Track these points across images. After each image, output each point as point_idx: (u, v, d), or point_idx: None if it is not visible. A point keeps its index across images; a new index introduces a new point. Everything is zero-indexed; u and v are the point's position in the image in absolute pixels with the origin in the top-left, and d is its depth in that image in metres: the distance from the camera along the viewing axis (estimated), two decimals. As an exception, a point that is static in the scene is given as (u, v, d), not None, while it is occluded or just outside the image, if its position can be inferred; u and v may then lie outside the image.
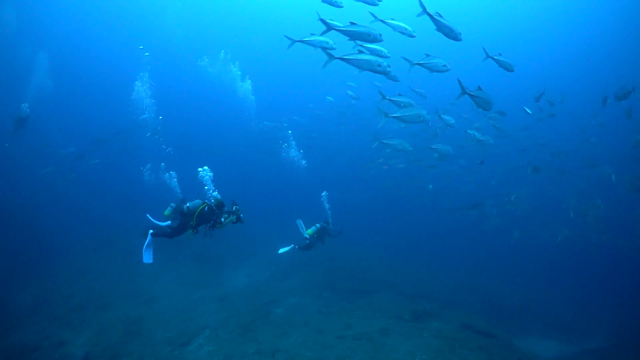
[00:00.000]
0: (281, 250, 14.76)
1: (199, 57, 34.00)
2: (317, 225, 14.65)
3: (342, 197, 26.35)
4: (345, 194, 28.81)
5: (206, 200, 10.18)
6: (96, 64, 50.39)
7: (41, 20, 43.25)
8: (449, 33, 8.36)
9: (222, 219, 9.89)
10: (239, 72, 31.99)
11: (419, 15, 8.44)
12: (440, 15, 8.24)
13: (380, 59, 8.42)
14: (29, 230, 21.95)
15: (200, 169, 14.77)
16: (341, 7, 10.29)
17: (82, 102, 44.69)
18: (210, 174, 14.38)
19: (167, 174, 18.89)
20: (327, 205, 16.51)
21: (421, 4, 8.17)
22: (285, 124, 28.68)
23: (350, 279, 17.56)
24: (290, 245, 14.68)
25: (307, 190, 21.97)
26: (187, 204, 10.11)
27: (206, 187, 11.44)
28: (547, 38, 47.32)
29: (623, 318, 17.39)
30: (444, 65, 9.07)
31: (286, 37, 9.35)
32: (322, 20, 8.61)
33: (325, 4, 10.38)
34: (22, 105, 19.54)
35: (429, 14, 8.21)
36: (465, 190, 27.48)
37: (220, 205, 10.05)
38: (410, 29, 9.83)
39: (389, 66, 8.56)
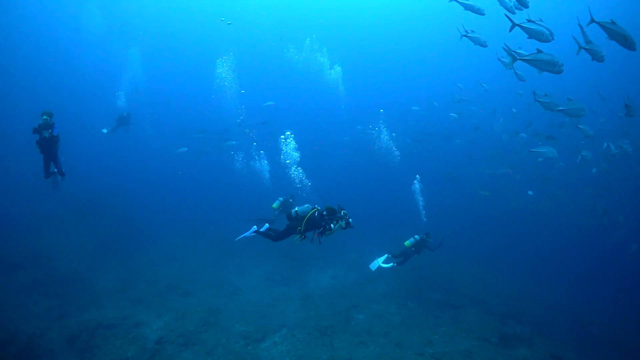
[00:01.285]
0: (381, 265, 14.28)
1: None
2: (417, 237, 14.20)
3: (438, 201, 25.82)
4: (442, 198, 28.22)
5: (316, 206, 9.89)
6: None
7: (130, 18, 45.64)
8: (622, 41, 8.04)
9: (332, 225, 9.47)
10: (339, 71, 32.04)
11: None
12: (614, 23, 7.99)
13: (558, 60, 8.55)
14: (124, 216, 23.46)
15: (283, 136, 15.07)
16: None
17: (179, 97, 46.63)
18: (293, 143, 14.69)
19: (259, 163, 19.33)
20: (423, 213, 16.23)
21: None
22: (374, 129, 28.34)
23: (438, 290, 17.14)
24: (390, 263, 14.35)
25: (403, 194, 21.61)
26: (296, 209, 9.93)
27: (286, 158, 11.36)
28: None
29: None
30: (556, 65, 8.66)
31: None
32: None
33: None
34: (119, 102, 21.03)
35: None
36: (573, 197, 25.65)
37: (331, 211, 9.63)
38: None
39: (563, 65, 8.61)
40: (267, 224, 10.66)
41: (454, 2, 11.95)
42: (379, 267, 14.08)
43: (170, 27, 49.85)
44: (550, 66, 8.55)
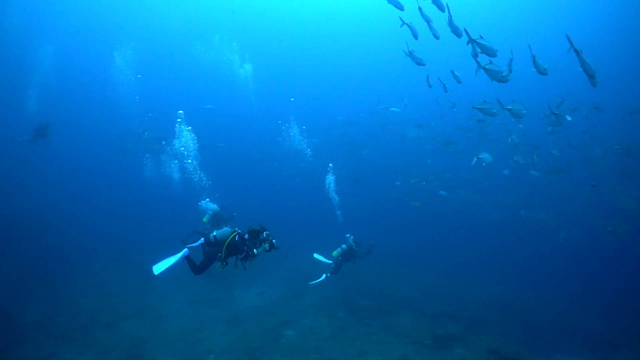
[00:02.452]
0: (312, 283, 14.12)
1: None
2: (343, 246, 13.74)
3: (361, 206, 25.47)
4: (366, 203, 27.96)
5: (236, 229, 9.01)
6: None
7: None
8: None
9: (255, 250, 8.71)
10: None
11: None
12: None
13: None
14: (38, 244, 21.58)
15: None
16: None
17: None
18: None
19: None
20: (339, 213, 15.69)
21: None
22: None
23: (368, 296, 16.59)
24: (321, 275, 13.94)
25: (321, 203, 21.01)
26: (214, 233, 9.01)
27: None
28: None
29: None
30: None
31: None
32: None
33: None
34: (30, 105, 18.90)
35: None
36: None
37: (253, 233, 8.88)
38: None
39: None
40: (202, 238, 9.46)
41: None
42: (317, 283, 13.87)
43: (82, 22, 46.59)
44: (497, 75, 9.10)
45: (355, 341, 11.95)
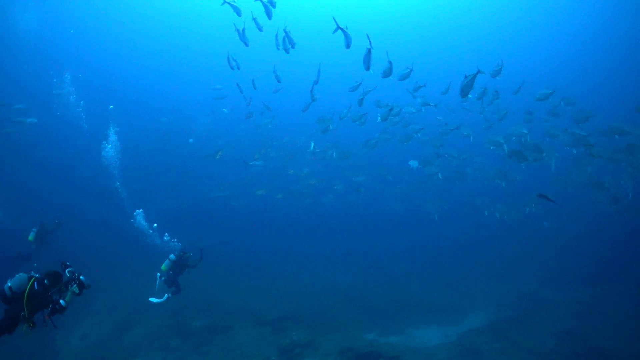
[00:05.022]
0: (154, 300, 11.65)
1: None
2: (171, 256, 11.59)
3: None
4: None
5: (32, 273, 6.69)
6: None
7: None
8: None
9: (62, 301, 6.58)
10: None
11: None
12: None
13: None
14: None
15: None
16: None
17: None
18: None
19: None
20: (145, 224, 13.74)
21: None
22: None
23: (202, 313, 15.14)
24: (163, 296, 11.66)
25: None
26: (9, 284, 6.51)
27: None
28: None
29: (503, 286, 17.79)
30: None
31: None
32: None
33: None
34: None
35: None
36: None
37: (54, 277, 6.73)
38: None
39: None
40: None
41: None
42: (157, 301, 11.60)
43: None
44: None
45: (194, 376, 10.48)
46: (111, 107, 26.10)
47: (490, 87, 11.19)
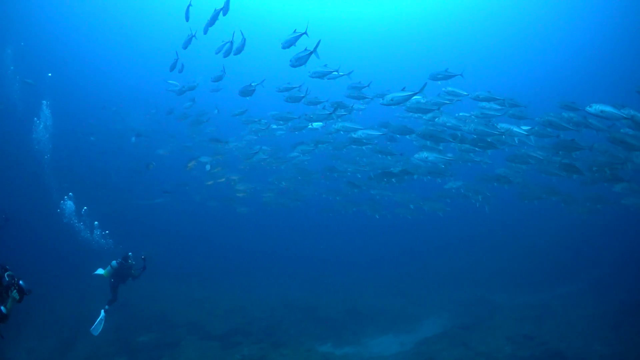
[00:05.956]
0: (94, 327, 10.69)
1: None
2: (113, 262, 10.74)
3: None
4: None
5: None
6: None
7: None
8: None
9: (3, 308, 5.58)
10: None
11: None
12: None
13: None
14: None
15: None
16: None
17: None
18: None
19: None
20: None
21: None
22: None
23: (149, 328, 14.30)
24: (100, 313, 10.74)
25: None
26: None
27: None
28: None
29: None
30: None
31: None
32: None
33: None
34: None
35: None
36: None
37: None
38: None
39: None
40: None
41: None
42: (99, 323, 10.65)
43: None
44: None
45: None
46: (50, 74, 24.92)
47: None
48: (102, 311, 10.75)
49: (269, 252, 25.53)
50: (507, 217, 23.26)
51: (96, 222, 13.51)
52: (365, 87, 10.71)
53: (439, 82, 10.16)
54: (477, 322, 13.76)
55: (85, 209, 13.44)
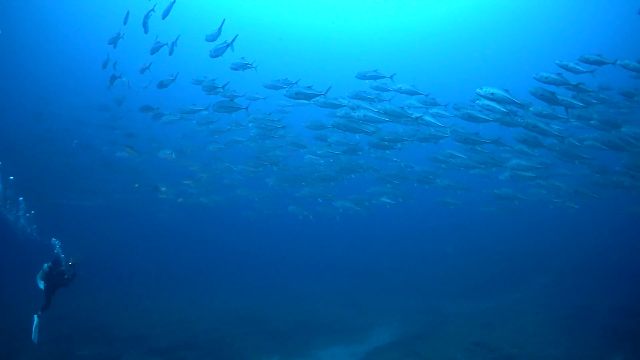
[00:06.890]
0: (33, 335, 9.88)
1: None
2: (45, 266, 9.89)
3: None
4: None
5: None
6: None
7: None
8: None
9: None
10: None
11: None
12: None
13: None
14: None
15: None
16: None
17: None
18: None
19: None
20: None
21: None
22: None
23: (90, 341, 13.61)
24: (33, 319, 9.92)
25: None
26: None
27: None
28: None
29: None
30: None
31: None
32: None
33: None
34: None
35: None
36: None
37: None
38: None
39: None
40: None
41: None
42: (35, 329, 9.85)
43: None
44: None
45: None
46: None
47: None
48: (35, 317, 9.98)
49: (221, 260, 25.02)
50: (457, 227, 23.50)
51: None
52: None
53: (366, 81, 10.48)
54: (428, 331, 13.70)
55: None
